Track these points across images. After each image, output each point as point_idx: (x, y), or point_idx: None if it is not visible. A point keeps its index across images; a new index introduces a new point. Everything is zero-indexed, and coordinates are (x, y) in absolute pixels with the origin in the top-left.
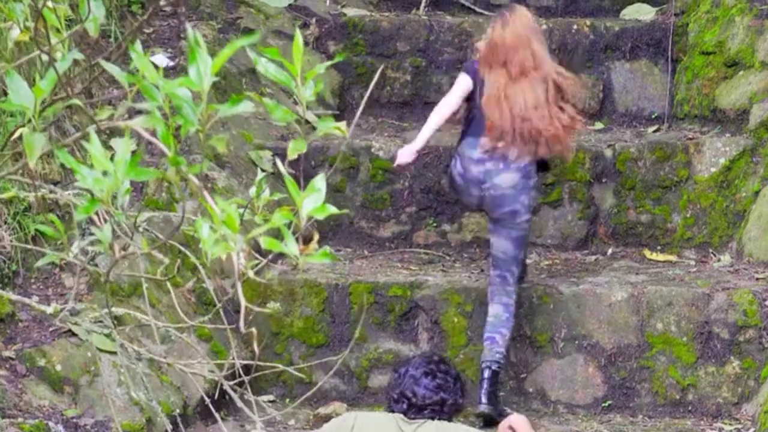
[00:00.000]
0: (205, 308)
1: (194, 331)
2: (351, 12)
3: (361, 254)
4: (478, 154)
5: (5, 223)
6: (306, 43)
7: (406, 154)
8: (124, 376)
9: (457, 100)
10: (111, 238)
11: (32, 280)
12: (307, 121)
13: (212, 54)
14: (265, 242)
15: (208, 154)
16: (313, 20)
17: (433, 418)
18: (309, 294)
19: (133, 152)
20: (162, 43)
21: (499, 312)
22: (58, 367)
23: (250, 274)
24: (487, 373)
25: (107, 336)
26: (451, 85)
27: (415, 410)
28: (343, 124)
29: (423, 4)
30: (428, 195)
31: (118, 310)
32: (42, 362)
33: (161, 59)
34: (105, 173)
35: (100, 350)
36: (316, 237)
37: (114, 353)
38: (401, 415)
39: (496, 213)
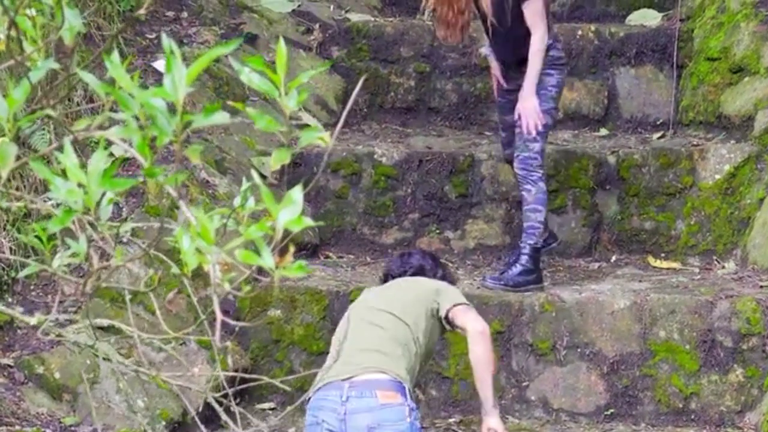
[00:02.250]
0: (208, 314)
1: (199, 332)
2: (355, 17)
3: (364, 261)
4: None
5: (4, 229)
6: (309, 49)
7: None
8: (123, 384)
9: None
10: (87, 250)
11: (31, 287)
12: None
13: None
14: (240, 255)
15: (208, 160)
16: (317, 25)
17: None
18: (310, 301)
19: (127, 159)
20: (164, 49)
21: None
22: (57, 375)
23: (227, 287)
24: None
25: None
26: (454, 90)
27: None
28: (327, 135)
29: (428, 9)
30: (431, 201)
31: (103, 321)
32: (40, 370)
33: (162, 64)
34: (80, 185)
35: (96, 356)
36: (291, 250)
37: (108, 360)
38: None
39: None
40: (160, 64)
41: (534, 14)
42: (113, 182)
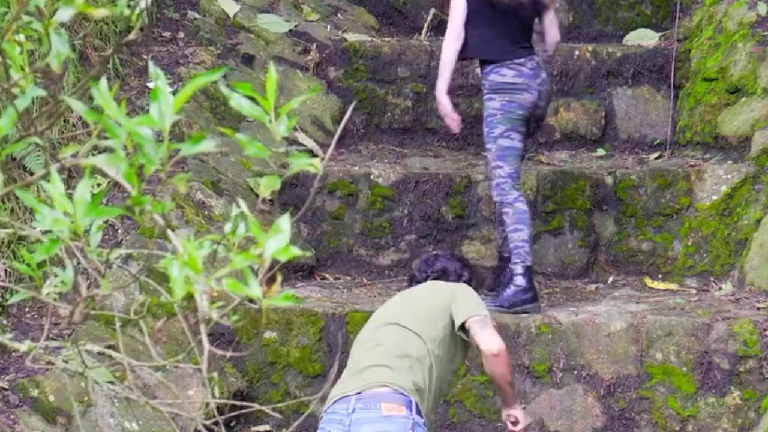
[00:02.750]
0: (199, 341)
1: (189, 359)
2: (352, 37)
3: (360, 282)
4: None
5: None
6: (306, 69)
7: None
8: (117, 407)
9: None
10: (74, 278)
11: (26, 310)
12: (309, 149)
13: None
14: (227, 284)
15: (205, 181)
16: (314, 46)
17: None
18: (306, 323)
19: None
20: (160, 69)
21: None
22: (51, 398)
23: (214, 315)
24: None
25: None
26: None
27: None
28: (317, 161)
29: (425, 30)
30: (428, 222)
31: (94, 348)
32: (35, 392)
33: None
34: (67, 213)
35: (95, 382)
36: (279, 279)
37: (108, 383)
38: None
39: None
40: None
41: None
42: (99, 211)
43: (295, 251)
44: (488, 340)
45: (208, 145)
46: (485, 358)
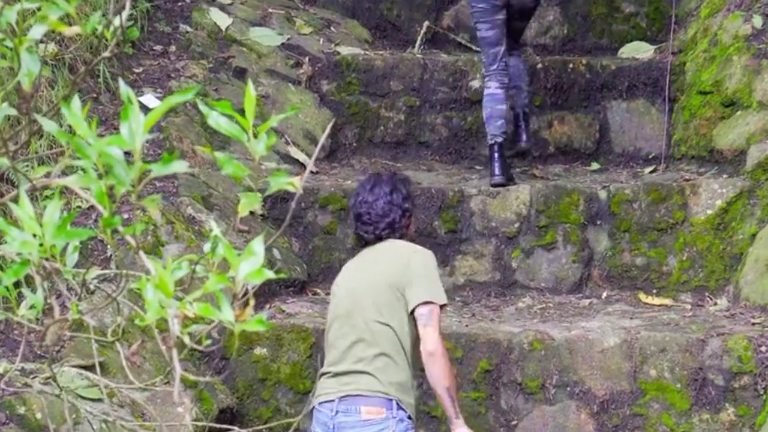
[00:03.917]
0: (194, 353)
1: (172, 379)
2: (345, 51)
3: None
4: None
5: None
6: (298, 82)
7: None
8: (104, 425)
9: None
10: (45, 301)
11: (14, 326)
12: (301, 163)
13: (204, 94)
14: (199, 308)
15: (195, 196)
16: (306, 59)
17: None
18: (296, 339)
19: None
20: (152, 83)
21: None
22: (38, 415)
23: (186, 340)
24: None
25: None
26: (444, 125)
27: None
28: (297, 180)
29: (418, 43)
30: (420, 237)
31: (71, 371)
32: (22, 410)
33: (150, 99)
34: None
35: (82, 398)
36: (252, 302)
37: (97, 400)
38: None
39: None
40: (147, 99)
41: None
42: (68, 233)
43: (268, 274)
44: (426, 338)
45: (179, 166)
46: (424, 359)
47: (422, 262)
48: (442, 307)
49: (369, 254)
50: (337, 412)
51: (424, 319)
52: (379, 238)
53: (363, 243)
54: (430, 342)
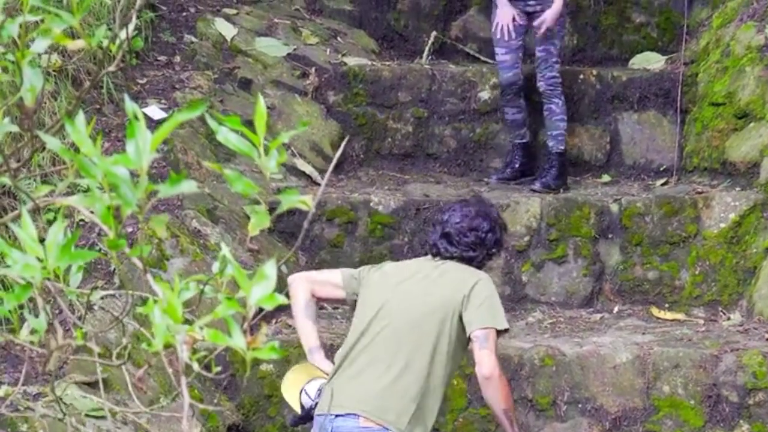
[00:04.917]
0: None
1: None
2: (352, 61)
3: None
4: None
5: None
6: (305, 93)
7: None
8: None
9: None
10: (48, 325)
11: (16, 343)
12: (307, 175)
13: (209, 105)
14: (208, 335)
15: (200, 209)
16: (313, 69)
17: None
18: (303, 355)
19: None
20: (156, 94)
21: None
22: None
23: (196, 367)
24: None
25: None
26: (453, 136)
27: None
28: (309, 198)
29: (426, 53)
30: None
31: (75, 389)
32: (24, 428)
33: (154, 110)
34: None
35: (86, 415)
36: (264, 330)
37: (99, 417)
38: (428, 256)
39: None
40: (151, 110)
41: None
42: (73, 255)
43: (281, 299)
44: (482, 361)
45: (188, 186)
46: (480, 383)
47: (483, 289)
48: (501, 332)
49: (425, 269)
50: (336, 415)
51: (479, 341)
52: (451, 259)
53: (434, 252)
54: (486, 366)
